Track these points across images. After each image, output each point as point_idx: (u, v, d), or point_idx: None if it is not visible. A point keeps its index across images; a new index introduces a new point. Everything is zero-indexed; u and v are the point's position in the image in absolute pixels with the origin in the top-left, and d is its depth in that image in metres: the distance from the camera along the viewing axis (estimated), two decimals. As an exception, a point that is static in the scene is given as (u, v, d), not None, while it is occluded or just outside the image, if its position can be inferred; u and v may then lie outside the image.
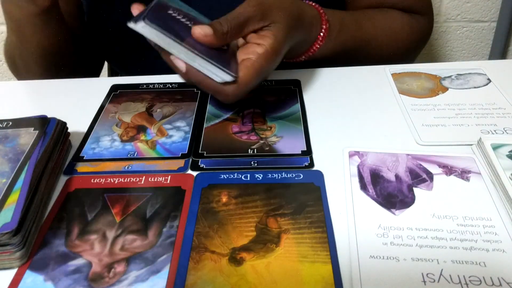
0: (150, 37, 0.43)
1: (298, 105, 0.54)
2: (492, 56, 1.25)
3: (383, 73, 0.60)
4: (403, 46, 0.67)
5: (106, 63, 0.89)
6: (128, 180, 0.44)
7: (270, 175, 0.44)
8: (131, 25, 0.43)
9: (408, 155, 0.46)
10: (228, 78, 0.45)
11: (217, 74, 0.45)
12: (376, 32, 0.64)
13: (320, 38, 0.58)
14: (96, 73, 0.80)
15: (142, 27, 0.43)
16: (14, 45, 0.66)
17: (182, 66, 0.45)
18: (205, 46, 0.45)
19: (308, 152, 0.47)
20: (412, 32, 0.68)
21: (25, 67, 0.69)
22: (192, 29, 0.45)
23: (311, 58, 0.59)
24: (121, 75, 0.87)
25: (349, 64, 0.62)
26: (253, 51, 0.47)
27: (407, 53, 0.65)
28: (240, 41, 0.50)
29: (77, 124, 0.52)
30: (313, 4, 0.58)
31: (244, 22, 0.47)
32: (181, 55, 0.44)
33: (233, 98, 0.47)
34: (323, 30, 0.57)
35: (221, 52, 0.47)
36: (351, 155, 0.46)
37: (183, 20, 0.47)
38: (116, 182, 0.44)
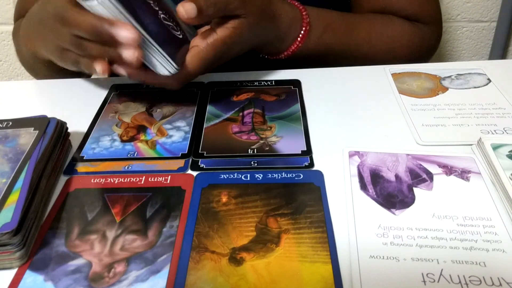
0: (104, 13, 0.42)
1: (298, 105, 0.54)
2: (492, 56, 1.25)
3: (383, 73, 0.60)
4: (401, 54, 0.65)
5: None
6: (128, 180, 0.44)
7: (270, 175, 0.44)
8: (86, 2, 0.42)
9: (408, 155, 0.46)
10: (171, 69, 0.45)
11: (159, 67, 0.45)
12: (370, 37, 0.64)
13: (299, 39, 0.58)
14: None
15: (97, 3, 0.41)
16: (31, 64, 0.65)
17: (123, 72, 0.47)
18: (161, 29, 0.46)
19: (308, 152, 0.47)
20: (413, 41, 0.66)
21: (31, 72, 0.69)
22: (178, 8, 0.45)
23: (293, 57, 0.60)
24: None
25: (343, 65, 0.62)
26: (203, 39, 0.48)
27: (407, 61, 0.64)
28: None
29: (77, 124, 0.52)
30: (297, 4, 0.59)
31: (228, 10, 0.48)
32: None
33: (178, 86, 0.50)
34: (302, 31, 0.58)
35: (174, 38, 0.47)
36: (351, 155, 0.46)
37: None
38: (116, 182, 0.44)
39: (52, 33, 0.49)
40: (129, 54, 0.44)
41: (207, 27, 0.51)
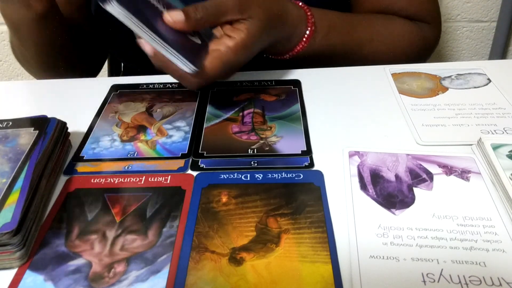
0: (118, 17, 0.43)
1: (298, 105, 0.54)
2: (492, 56, 1.25)
3: (383, 73, 0.60)
4: (402, 54, 0.66)
5: (106, 63, 0.89)
6: (128, 180, 0.44)
7: (270, 175, 0.44)
8: (101, 3, 0.42)
9: (408, 155, 0.46)
10: (189, 69, 0.45)
11: (179, 64, 0.45)
12: (372, 37, 0.64)
13: (304, 39, 0.58)
14: (96, 71, 0.80)
15: (110, 8, 0.42)
16: (15, 43, 0.66)
17: (149, 50, 0.46)
18: (176, 33, 0.45)
19: (308, 152, 0.47)
20: (413, 40, 0.66)
21: (25, 64, 0.69)
22: (164, 16, 0.45)
23: (297, 57, 0.60)
24: (123, 72, 0.87)
25: (344, 65, 0.62)
26: (224, 43, 0.48)
27: (408, 61, 0.64)
28: (220, 32, 0.51)
29: (77, 124, 0.52)
30: (302, 5, 0.58)
31: (221, 12, 0.48)
32: (148, 40, 0.44)
33: (196, 86, 0.49)
34: (307, 32, 0.58)
35: (191, 42, 0.47)
36: (351, 155, 0.46)
37: (155, 2, 0.46)
38: (116, 182, 0.44)
39: None
40: None
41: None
